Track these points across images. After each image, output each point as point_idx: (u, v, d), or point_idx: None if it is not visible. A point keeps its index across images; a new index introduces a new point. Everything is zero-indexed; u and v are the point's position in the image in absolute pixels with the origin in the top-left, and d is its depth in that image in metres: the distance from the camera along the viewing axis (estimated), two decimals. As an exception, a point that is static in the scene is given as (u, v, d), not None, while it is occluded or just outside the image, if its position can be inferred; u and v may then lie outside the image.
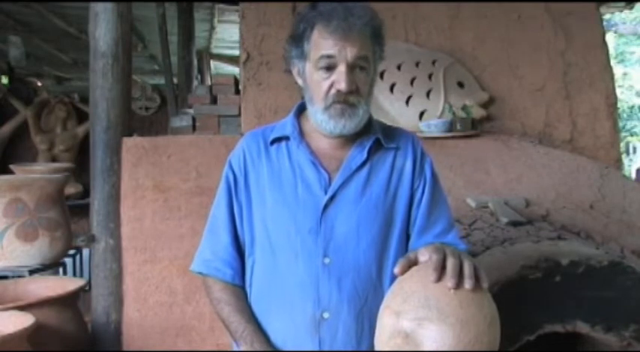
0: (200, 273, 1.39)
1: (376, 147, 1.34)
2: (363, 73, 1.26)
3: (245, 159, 1.36)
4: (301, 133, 1.35)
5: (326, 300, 1.26)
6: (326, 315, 1.25)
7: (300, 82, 1.34)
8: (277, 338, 1.29)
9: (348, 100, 1.25)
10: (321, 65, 1.24)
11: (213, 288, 1.36)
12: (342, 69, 1.22)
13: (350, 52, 1.22)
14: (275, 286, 1.30)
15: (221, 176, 1.39)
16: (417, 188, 1.35)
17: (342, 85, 1.22)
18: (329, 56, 1.22)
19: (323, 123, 1.27)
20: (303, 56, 1.28)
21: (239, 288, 1.35)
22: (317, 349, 1.25)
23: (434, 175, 1.38)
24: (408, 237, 1.35)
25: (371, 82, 1.30)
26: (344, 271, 1.26)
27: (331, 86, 1.24)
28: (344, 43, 1.22)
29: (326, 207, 1.28)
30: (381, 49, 1.31)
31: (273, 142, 1.36)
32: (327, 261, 1.27)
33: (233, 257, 1.35)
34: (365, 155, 1.32)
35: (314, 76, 1.26)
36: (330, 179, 1.30)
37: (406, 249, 1.34)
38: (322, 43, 1.23)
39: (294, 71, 1.34)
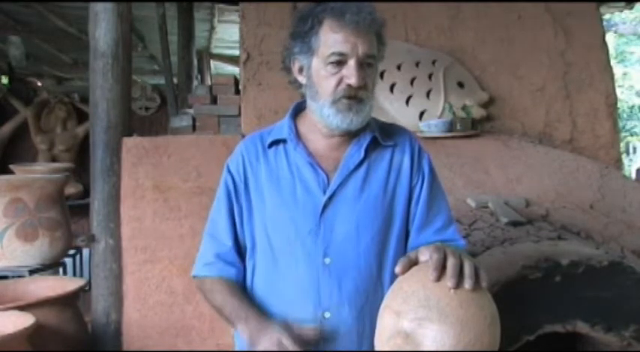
0: (205, 277, 1.37)
1: (373, 145, 1.34)
2: (371, 69, 1.26)
3: (244, 163, 1.35)
4: (298, 135, 1.34)
5: (327, 300, 1.26)
6: (327, 315, 1.25)
7: (301, 78, 1.32)
8: None
9: (357, 95, 1.25)
10: (331, 60, 1.23)
11: (205, 283, 1.36)
12: (352, 64, 1.22)
13: (361, 48, 1.22)
14: (276, 288, 1.30)
15: (220, 178, 1.39)
16: (416, 184, 1.34)
17: (353, 80, 1.22)
18: (340, 53, 1.22)
19: (330, 118, 1.27)
20: (309, 51, 1.27)
21: (234, 282, 1.34)
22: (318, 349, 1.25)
23: (432, 171, 1.38)
24: (407, 234, 1.35)
25: (374, 79, 1.30)
26: (344, 271, 1.27)
27: (340, 81, 1.24)
28: (355, 39, 1.22)
29: (325, 207, 1.28)
30: (383, 49, 1.31)
31: (270, 145, 1.36)
32: (327, 261, 1.27)
33: (236, 259, 1.35)
34: (362, 154, 1.32)
35: (321, 72, 1.26)
36: (328, 179, 1.30)
37: (406, 246, 1.34)
38: (333, 37, 1.23)
39: (295, 67, 1.33)
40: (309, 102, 1.32)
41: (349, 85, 1.23)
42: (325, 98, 1.26)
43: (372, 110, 1.30)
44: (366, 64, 1.24)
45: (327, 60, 1.24)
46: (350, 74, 1.22)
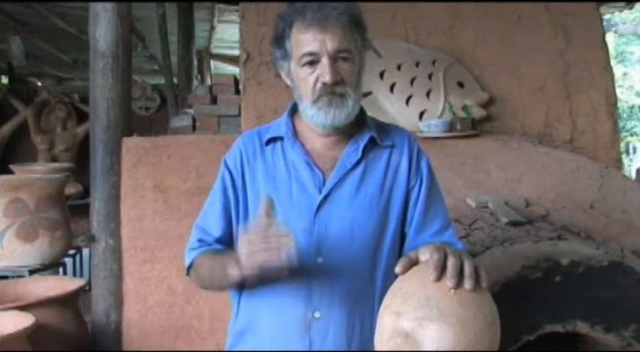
0: (191, 264, 1.35)
1: (371, 145, 1.33)
2: (347, 63, 1.25)
3: (242, 158, 1.35)
4: (295, 133, 1.35)
5: (317, 300, 1.25)
6: (317, 315, 1.25)
7: (288, 82, 1.34)
8: (266, 338, 1.28)
9: (335, 91, 1.24)
10: (304, 61, 1.24)
11: (194, 268, 1.33)
12: (324, 62, 1.22)
13: (330, 44, 1.22)
14: (267, 286, 1.29)
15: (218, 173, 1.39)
16: (413, 186, 1.34)
17: (327, 78, 1.22)
18: (310, 53, 1.23)
19: (314, 118, 1.27)
20: (286, 56, 1.29)
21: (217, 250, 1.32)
22: (307, 349, 1.25)
23: (431, 173, 1.37)
24: (402, 236, 1.34)
25: (358, 72, 1.29)
26: (337, 270, 1.26)
27: (317, 80, 1.24)
28: (323, 36, 1.22)
29: (320, 206, 1.28)
30: (363, 38, 1.30)
31: (268, 142, 1.36)
32: (320, 260, 1.26)
33: (221, 247, 1.34)
34: (360, 153, 1.31)
35: (299, 73, 1.26)
36: (324, 178, 1.30)
37: (400, 248, 1.34)
38: (301, 38, 1.24)
39: (282, 73, 1.34)
40: (298, 104, 1.33)
41: (324, 83, 1.23)
42: (307, 99, 1.27)
43: (357, 105, 1.29)
44: (340, 59, 1.24)
45: (300, 61, 1.25)
46: (323, 72, 1.23)
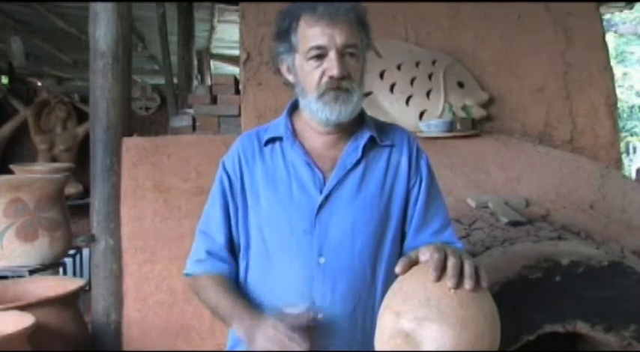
0: (196, 274, 1.36)
1: (371, 144, 1.33)
2: (353, 59, 1.26)
3: (240, 161, 1.35)
4: (294, 133, 1.34)
5: (319, 300, 1.25)
6: (319, 315, 1.25)
7: (290, 78, 1.33)
8: None
9: (341, 86, 1.24)
10: (311, 55, 1.24)
11: (198, 280, 1.34)
12: (332, 56, 1.23)
13: (339, 38, 1.22)
14: (269, 287, 1.29)
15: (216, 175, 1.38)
16: (413, 186, 1.34)
17: (335, 71, 1.22)
18: (319, 47, 1.23)
19: (318, 112, 1.26)
20: (291, 50, 1.28)
21: (227, 278, 1.33)
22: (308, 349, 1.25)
23: (430, 173, 1.37)
24: (403, 235, 1.34)
25: (361, 69, 1.29)
26: (338, 271, 1.26)
27: (323, 74, 1.24)
28: (332, 30, 1.22)
29: (321, 207, 1.28)
30: (368, 37, 1.31)
31: (267, 143, 1.35)
32: (321, 261, 1.26)
33: (228, 257, 1.34)
34: (359, 153, 1.31)
35: (305, 67, 1.26)
36: (324, 178, 1.30)
37: (401, 248, 1.34)
38: (310, 31, 1.24)
39: (283, 68, 1.34)
40: (300, 100, 1.32)
41: (331, 77, 1.23)
42: (312, 93, 1.26)
43: (361, 101, 1.29)
44: (347, 54, 1.24)
45: (307, 55, 1.24)
46: (331, 66, 1.23)
